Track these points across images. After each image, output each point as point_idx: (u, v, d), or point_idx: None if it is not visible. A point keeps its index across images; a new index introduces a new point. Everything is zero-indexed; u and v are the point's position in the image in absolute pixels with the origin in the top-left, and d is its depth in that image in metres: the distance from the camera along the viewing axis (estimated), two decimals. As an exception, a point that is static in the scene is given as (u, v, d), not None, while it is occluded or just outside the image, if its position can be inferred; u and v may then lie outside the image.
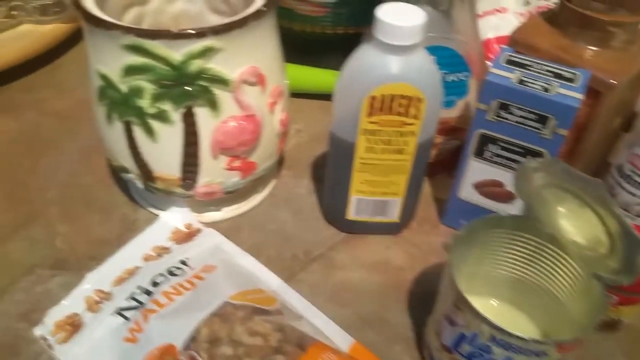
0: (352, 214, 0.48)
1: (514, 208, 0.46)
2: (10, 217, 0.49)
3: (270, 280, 0.42)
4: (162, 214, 0.48)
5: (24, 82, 0.64)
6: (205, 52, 0.37)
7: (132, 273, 0.43)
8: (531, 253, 0.39)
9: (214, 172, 0.43)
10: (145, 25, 0.49)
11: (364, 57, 0.39)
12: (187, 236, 0.46)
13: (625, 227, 0.31)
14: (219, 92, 0.40)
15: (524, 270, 0.40)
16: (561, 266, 0.38)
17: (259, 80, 0.41)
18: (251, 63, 0.40)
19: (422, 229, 0.51)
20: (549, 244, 0.38)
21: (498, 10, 0.62)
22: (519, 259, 0.40)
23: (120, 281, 0.42)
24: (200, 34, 0.36)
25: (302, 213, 0.51)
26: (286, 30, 0.61)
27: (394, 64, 0.38)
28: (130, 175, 0.45)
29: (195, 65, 0.38)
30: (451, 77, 0.47)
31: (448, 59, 0.46)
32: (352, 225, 0.49)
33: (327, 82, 0.62)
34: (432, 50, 0.45)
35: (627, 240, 0.32)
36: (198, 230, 0.47)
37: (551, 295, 0.39)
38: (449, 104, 0.49)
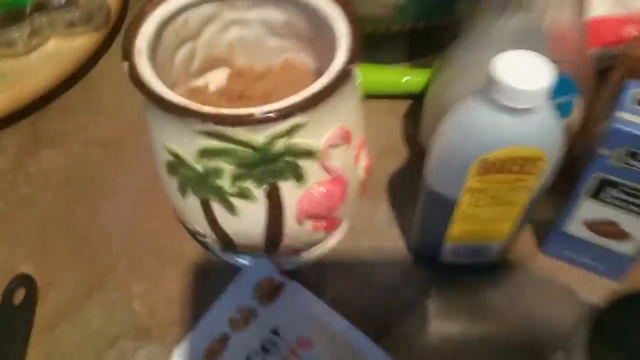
0: (446, 257, 0.44)
1: (630, 246, 0.41)
2: (79, 279, 0.46)
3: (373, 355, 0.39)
4: (242, 268, 0.44)
5: (59, 104, 0.59)
6: (291, 131, 0.32)
7: (222, 345, 0.40)
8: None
9: (299, 236, 0.39)
10: (198, 60, 0.43)
11: (474, 117, 0.34)
12: (271, 293, 0.43)
13: None
14: (305, 164, 0.35)
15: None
16: None
17: (345, 138, 0.36)
18: (338, 124, 0.35)
19: (520, 261, 0.46)
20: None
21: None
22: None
23: (211, 356, 0.40)
24: (286, 114, 0.31)
25: (384, 249, 0.47)
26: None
27: (514, 127, 0.32)
28: (207, 240, 0.41)
29: (280, 144, 0.33)
30: (558, 100, 0.41)
31: (557, 85, 0.40)
32: (444, 266, 0.45)
33: (394, 81, 0.56)
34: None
35: None
36: (281, 285, 0.43)
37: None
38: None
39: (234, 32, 0.43)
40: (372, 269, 0.46)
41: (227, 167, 0.34)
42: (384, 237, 0.48)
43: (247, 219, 0.37)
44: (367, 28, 0.53)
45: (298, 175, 0.35)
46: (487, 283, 0.45)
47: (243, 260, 0.45)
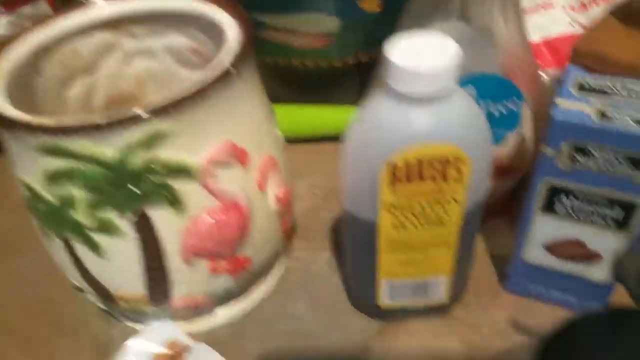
0: (384, 300, 0.36)
1: (601, 270, 0.34)
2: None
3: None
4: (132, 338, 0.37)
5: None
6: (150, 141, 0.26)
7: None
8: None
9: (193, 282, 0.33)
10: (100, 96, 0.38)
11: (374, 112, 0.28)
12: (173, 359, 0.35)
13: None
14: (180, 186, 0.29)
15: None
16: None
17: (237, 156, 0.30)
18: (223, 138, 0.29)
19: (479, 302, 0.39)
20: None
21: (542, 7, 0.49)
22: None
23: None
24: (137, 118, 0.26)
25: (322, 300, 0.40)
26: (285, 69, 0.50)
27: (419, 118, 0.27)
28: (88, 296, 0.34)
29: (139, 158, 0.27)
30: (497, 107, 0.36)
31: (492, 89, 0.34)
32: (386, 312, 0.37)
33: (342, 121, 0.51)
34: (469, 81, 0.33)
35: None
36: (185, 349, 0.36)
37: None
38: (496, 139, 0.37)
39: (139, 64, 0.39)
40: (303, 323, 0.39)
41: (79, 194, 0.28)
42: (322, 287, 0.41)
43: (117, 261, 0.30)
44: (308, 63, 0.48)
45: (173, 201, 0.29)
46: (438, 330, 0.37)
47: (140, 324, 0.38)
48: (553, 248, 0.34)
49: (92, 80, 0.38)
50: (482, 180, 0.30)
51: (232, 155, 0.30)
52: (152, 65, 0.39)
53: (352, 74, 0.52)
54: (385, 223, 0.31)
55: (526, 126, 0.37)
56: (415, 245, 0.32)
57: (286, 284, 0.41)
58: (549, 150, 0.30)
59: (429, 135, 0.27)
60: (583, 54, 0.33)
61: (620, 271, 0.24)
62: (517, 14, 0.34)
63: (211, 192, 0.30)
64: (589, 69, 0.33)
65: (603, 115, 0.27)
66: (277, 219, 0.35)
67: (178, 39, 0.36)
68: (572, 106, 0.28)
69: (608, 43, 0.33)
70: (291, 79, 0.51)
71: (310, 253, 0.43)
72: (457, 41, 0.33)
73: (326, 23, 0.43)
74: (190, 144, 0.28)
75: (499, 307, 0.38)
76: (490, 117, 0.36)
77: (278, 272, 0.41)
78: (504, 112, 0.36)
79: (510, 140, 0.37)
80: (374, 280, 0.35)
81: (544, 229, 0.33)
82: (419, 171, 0.28)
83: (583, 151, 0.29)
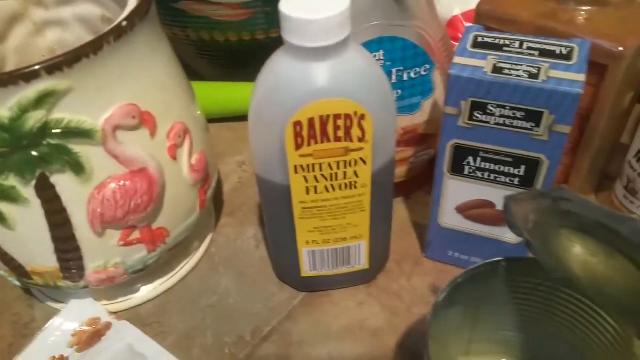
0: (306, 269, 0.37)
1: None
2: None
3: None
4: (53, 318, 0.36)
5: None
6: (44, 99, 0.26)
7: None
8: (543, 301, 0.28)
9: (105, 253, 0.32)
10: (10, 69, 0.38)
11: (274, 70, 0.28)
12: (92, 337, 0.35)
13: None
14: (81, 149, 0.28)
15: (537, 324, 0.29)
16: (587, 317, 0.27)
17: (143, 120, 0.30)
18: (124, 100, 0.29)
19: (401, 270, 0.39)
20: (566, 288, 0.27)
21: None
22: (528, 309, 0.29)
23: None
24: (29, 74, 0.25)
25: (248, 275, 0.40)
26: (208, 43, 0.50)
27: (316, 73, 0.27)
28: (1, 272, 0.33)
29: (35, 119, 0.26)
30: (410, 74, 0.36)
31: (401, 52, 0.35)
32: (310, 282, 0.37)
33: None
34: (379, 43, 0.34)
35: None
36: (107, 326, 0.35)
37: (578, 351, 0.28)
38: (412, 108, 0.38)
39: (51, 36, 0.38)
40: (228, 298, 0.38)
41: (-24, 158, 0.27)
42: (248, 262, 0.41)
43: (25, 232, 0.30)
44: (231, 38, 0.48)
45: (75, 165, 0.28)
46: (362, 299, 0.38)
47: (62, 304, 0.37)
48: (465, 211, 0.35)
49: (1, 50, 0.37)
50: (388, 139, 0.31)
51: (135, 117, 0.30)
52: (65, 36, 0.38)
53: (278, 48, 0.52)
54: (297, 186, 0.31)
55: (440, 94, 0.37)
56: (330, 210, 0.33)
57: (212, 259, 0.41)
58: (450, 110, 0.30)
59: (328, 92, 0.27)
60: (485, 14, 0.33)
61: (508, 217, 0.24)
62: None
63: (115, 156, 0.29)
64: (492, 30, 0.34)
65: (498, 69, 0.28)
66: (193, 189, 0.34)
67: (88, 8, 0.36)
68: (469, 62, 0.29)
69: (507, 3, 0.33)
70: (218, 55, 0.50)
71: (237, 229, 0.43)
72: (370, 6, 0.34)
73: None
74: (89, 105, 0.28)
75: (420, 275, 0.39)
76: (404, 84, 0.36)
77: (203, 248, 0.41)
78: (416, 78, 0.37)
79: (426, 107, 0.38)
80: (295, 250, 0.35)
81: (454, 192, 0.34)
82: (323, 130, 0.28)
83: (482, 108, 0.29)
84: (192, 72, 0.55)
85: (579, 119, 0.34)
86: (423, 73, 0.37)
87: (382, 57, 0.35)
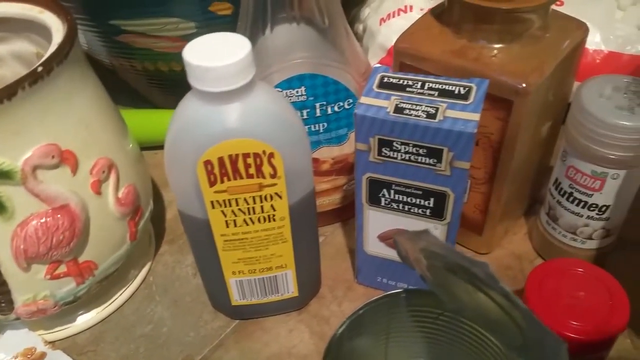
0: (236, 298, 0.38)
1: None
2: None
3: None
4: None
5: None
6: (-44, 145, 0.27)
7: None
8: (446, 329, 0.29)
9: (32, 287, 0.33)
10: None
11: (184, 112, 0.29)
12: (26, 367, 0.36)
13: (526, 314, 0.21)
14: (2, 189, 0.29)
15: (444, 349, 0.30)
16: (480, 340, 0.28)
17: (63, 159, 0.31)
18: (44, 140, 0.30)
19: (334, 295, 0.41)
20: (462, 317, 0.28)
21: (402, 10, 0.52)
22: (434, 337, 0.30)
23: None
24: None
25: (183, 303, 0.41)
26: (153, 73, 0.51)
27: (223, 115, 0.28)
28: None
29: (-51, 162, 0.27)
30: (333, 108, 0.38)
31: (323, 88, 0.36)
32: (242, 310, 0.39)
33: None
34: (300, 80, 0.36)
35: (530, 326, 0.22)
36: (42, 356, 0.36)
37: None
38: (340, 139, 0.40)
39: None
40: (162, 326, 0.39)
41: None
42: (185, 290, 0.42)
43: (-53, 268, 0.31)
44: (175, 68, 0.49)
45: (-4, 205, 0.29)
46: (292, 325, 0.39)
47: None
48: (386, 239, 0.36)
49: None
50: (303, 174, 0.32)
51: (55, 157, 0.31)
52: (2, 72, 0.39)
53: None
54: (216, 220, 0.32)
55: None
56: (252, 242, 0.34)
57: (149, 288, 0.42)
58: (360, 146, 0.32)
59: (234, 132, 0.28)
60: (401, 52, 0.35)
61: (401, 255, 0.26)
62: (344, 20, 0.36)
63: (36, 195, 0.30)
64: (408, 67, 0.35)
65: (399, 109, 0.30)
66: (121, 222, 0.36)
67: (23, 45, 0.37)
68: (373, 102, 0.30)
69: (422, 40, 0.35)
70: (166, 84, 0.52)
71: (176, 257, 0.44)
72: (290, 45, 0.35)
73: (182, 27, 0.44)
74: (8, 147, 0.29)
75: (351, 300, 0.40)
76: (329, 117, 0.38)
77: (141, 276, 0.42)
78: (340, 112, 0.38)
79: (353, 138, 0.39)
80: (223, 280, 0.36)
81: (375, 221, 0.35)
82: (234, 168, 0.30)
83: (389, 145, 0.31)
84: (144, 100, 0.57)
85: (491, 151, 0.36)
86: (347, 107, 0.38)
87: (304, 93, 0.36)
